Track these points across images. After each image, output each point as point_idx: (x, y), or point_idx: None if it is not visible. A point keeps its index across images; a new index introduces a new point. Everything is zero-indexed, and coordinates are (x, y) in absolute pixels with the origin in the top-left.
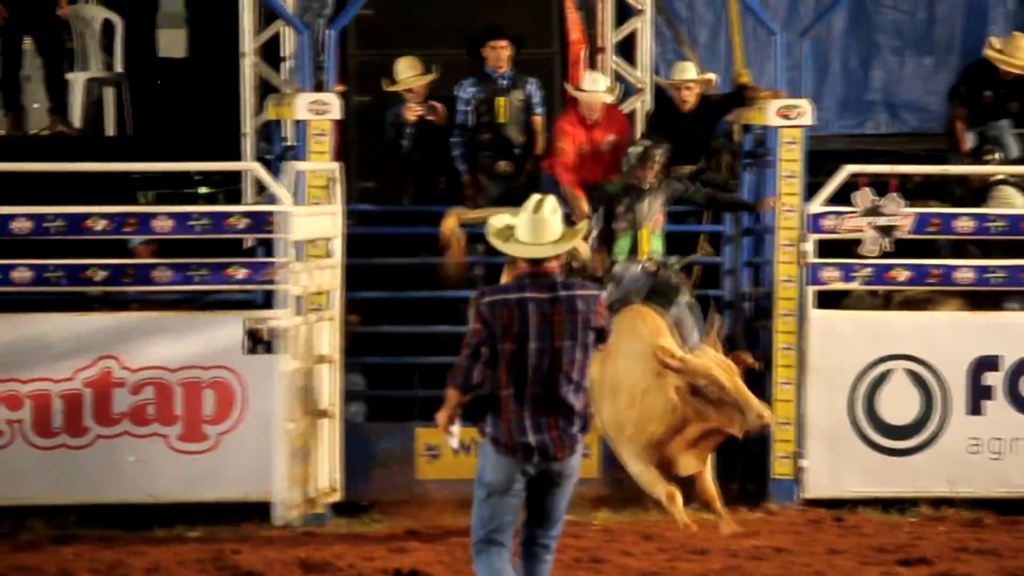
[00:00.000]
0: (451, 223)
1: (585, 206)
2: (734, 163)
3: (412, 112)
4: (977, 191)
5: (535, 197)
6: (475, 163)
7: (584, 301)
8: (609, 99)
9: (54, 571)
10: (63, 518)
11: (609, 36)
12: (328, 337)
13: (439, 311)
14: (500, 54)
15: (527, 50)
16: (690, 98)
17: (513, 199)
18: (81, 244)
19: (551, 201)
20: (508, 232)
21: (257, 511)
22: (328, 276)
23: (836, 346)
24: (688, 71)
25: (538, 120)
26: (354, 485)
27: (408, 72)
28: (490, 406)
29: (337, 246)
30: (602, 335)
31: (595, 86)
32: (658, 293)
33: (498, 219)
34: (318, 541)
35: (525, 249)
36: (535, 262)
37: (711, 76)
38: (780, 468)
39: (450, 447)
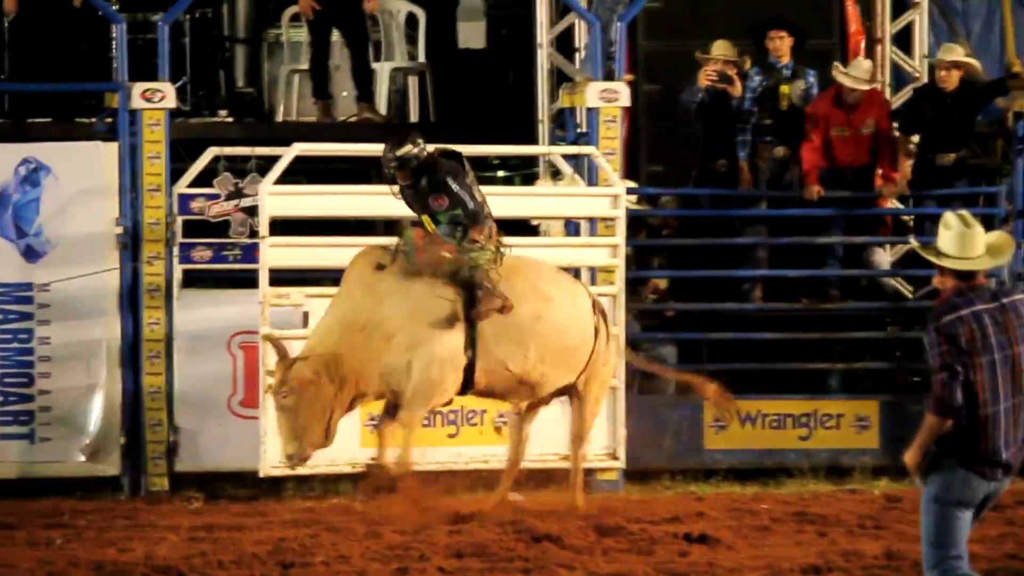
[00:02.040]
0: None
1: (815, 190)
2: (1008, 149)
3: (706, 76)
4: None
5: (950, 214)
6: (755, 148)
7: None
8: (867, 87)
9: None
10: None
11: (887, 27)
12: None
13: (724, 289)
14: (781, 44)
15: (808, 41)
16: (950, 80)
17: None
18: None
19: (968, 214)
20: (936, 249)
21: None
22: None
23: None
24: (953, 52)
25: None
26: (645, 453)
27: (721, 49)
28: (967, 428)
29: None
30: None
31: (857, 71)
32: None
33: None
34: (612, 506)
35: (960, 263)
36: (968, 276)
37: (974, 61)
38: None
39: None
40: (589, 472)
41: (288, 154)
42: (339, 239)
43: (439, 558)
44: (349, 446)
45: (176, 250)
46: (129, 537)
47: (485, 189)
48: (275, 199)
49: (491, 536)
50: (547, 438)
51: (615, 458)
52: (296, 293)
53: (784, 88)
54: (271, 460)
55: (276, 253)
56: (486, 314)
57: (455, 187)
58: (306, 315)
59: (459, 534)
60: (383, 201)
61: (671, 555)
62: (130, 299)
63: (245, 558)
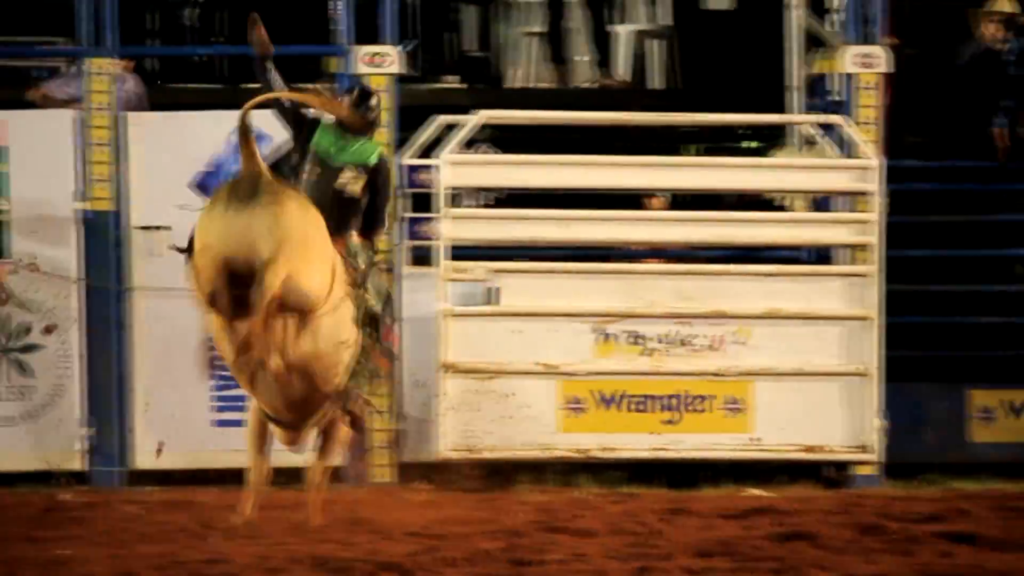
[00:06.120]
0: None
1: None
2: None
3: (989, 32)
4: None
5: None
6: (1016, 116)
7: None
8: None
9: None
10: None
11: None
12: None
13: (989, 270)
14: None
15: None
16: None
17: None
18: None
19: None
20: None
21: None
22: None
23: None
24: None
25: None
26: (904, 447)
27: (1005, 4)
28: None
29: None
30: None
31: None
32: None
33: None
34: (870, 503)
35: None
36: None
37: None
38: None
39: None
40: (843, 465)
41: (471, 121)
42: (525, 212)
43: (683, 556)
44: (545, 430)
45: (403, 225)
46: (352, 532)
47: (724, 160)
48: (456, 169)
49: (739, 533)
50: (789, 428)
51: (866, 451)
52: (479, 268)
53: None
54: (448, 443)
55: (457, 226)
56: None
57: None
58: (496, 291)
59: (706, 530)
60: (577, 173)
61: (933, 556)
62: None
63: (476, 555)
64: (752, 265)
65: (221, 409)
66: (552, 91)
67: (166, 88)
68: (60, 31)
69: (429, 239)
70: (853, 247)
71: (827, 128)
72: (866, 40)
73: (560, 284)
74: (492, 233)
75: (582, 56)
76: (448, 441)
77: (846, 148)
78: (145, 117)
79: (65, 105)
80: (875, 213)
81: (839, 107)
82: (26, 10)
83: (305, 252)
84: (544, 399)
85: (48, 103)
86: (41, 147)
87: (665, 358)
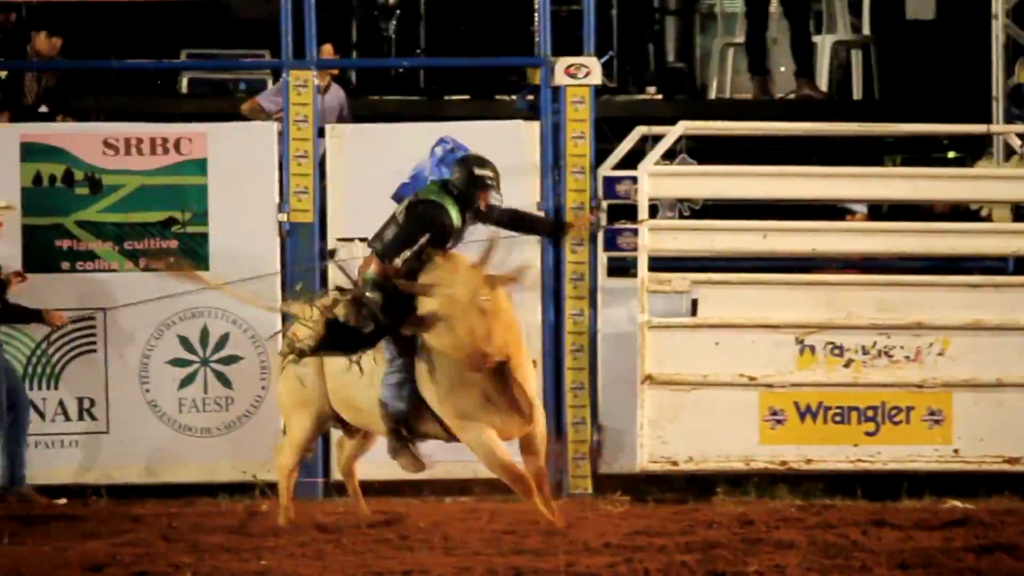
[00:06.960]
0: None
1: None
2: None
3: None
4: None
5: None
6: None
7: None
8: None
9: None
10: None
11: None
12: None
13: None
14: None
15: None
16: None
17: None
18: None
19: None
20: None
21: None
22: None
23: None
24: None
25: None
26: None
27: None
28: None
29: None
30: None
31: None
32: None
33: None
34: None
35: None
36: None
37: None
38: None
39: None
40: None
41: (672, 133)
42: (725, 223)
43: (882, 568)
44: (745, 441)
45: (601, 236)
46: (549, 543)
47: (925, 170)
48: (656, 180)
49: (938, 545)
50: (990, 440)
51: None
52: (679, 279)
53: None
54: (647, 455)
55: (657, 237)
56: None
57: None
58: (695, 303)
59: (905, 542)
60: (777, 184)
61: None
62: (552, 288)
63: (673, 567)
64: (954, 276)
65: None
66: (751, 102)
67: (366, 100)
68: (262, 44)
69: (628, 250)
70: None
71: None
72: None
73: (760, 295)
74: (692, 244)
75: (782, 67)
76: (648, 453)
77: None
78: (345, 129)
79: (269, 117)
80: None
81: None
82: (228, 23)
83: None
84: (745, 410)
85: (257, 115)
86: (241, 159)
87: (865, 369)
